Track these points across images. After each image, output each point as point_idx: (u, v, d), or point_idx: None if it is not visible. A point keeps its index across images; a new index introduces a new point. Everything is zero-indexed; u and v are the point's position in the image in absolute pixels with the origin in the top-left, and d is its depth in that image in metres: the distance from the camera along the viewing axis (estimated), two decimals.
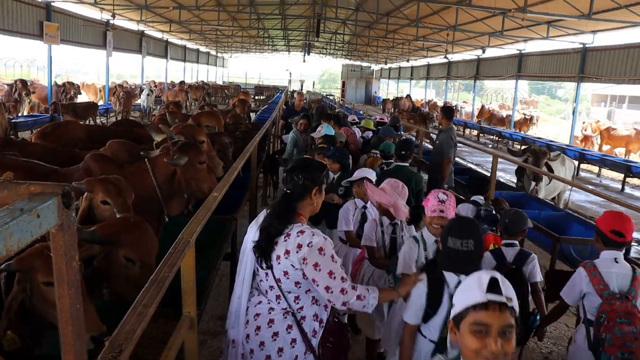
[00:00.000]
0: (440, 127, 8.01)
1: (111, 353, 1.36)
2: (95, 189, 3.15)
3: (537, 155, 7.53)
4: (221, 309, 4.96)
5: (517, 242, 3.69)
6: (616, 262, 3.11)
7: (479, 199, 4.81)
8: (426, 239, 3.32)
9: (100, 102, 22.76)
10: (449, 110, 7.92)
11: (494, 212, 4.54)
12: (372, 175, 4.60)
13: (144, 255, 2.64)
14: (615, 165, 14.66)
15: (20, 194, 0.98)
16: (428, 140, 11.90)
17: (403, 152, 5.59)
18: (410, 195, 5.22)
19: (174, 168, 3.96)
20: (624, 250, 3.21)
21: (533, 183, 7.49)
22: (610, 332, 2.94)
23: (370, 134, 8.90)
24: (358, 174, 4.59)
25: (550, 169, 7.81)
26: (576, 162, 14.99)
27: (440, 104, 33.47)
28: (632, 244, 5.14)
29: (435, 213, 3.25)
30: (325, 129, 6.57)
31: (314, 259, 2.36)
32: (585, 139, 19.80)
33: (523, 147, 8.39)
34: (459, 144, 7.92)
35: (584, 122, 21.72)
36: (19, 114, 15.01)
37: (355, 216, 4.46)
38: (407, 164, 5.60)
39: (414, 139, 13.62)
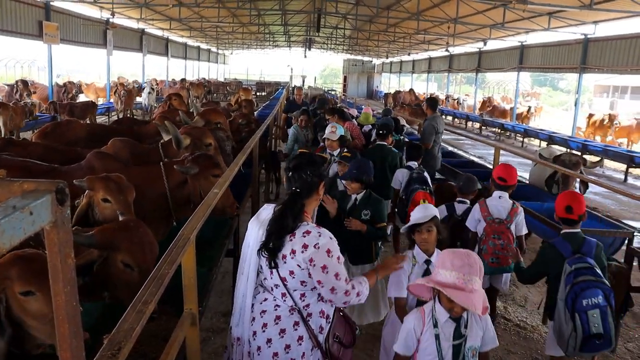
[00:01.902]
0: (427, 116, 8.32)
1: (110, 351, 1.36)
2: (96, 187, 3.14)
3: (566, 167, 5.92)
4: (224, 305, 4.96)
5: (467, 201, 4.76)
6: (500, 198, 4.31)
7: (413, 164, 5.63)
8: None
9: (101, 101, 22.79)
10: (433, 101, 8.44)
11: (424, 174, 5.33)
12: (440, 212, 3.42)
13: (142, 261, 2.56)
14: (617, 156, 14.59)
15: (14, 192, 0.97)
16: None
17: (381, 132, 6.29)
18: (388, 171, 5.96)
19: (186, 176, 3.97)
20: (509, 191, 4.37)
21: None
22: (486, 244, 4.22)
23: (369, 128, 8.87)
24: (421, 214, 3.18)
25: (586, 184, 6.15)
26: (579, 154, 14.96)
27: (442, 96, 33.48)
28: (635, 234, 5.18)
29: None
30: (339, 129, 5.91)
31: (322, 260, 2.35)
32: (599, 129, 19.32)
33: (554, 156, 6.59)
34: (461, 137, 7.97)
35: (592, 115, 21.24)
36: None
37: (413, 275, 3.09)
38: (386, 143, 6.23)
39: (416, 132, 13.57)
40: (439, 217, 3.19)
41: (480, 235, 4.28)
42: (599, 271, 3.27)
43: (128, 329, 1.45)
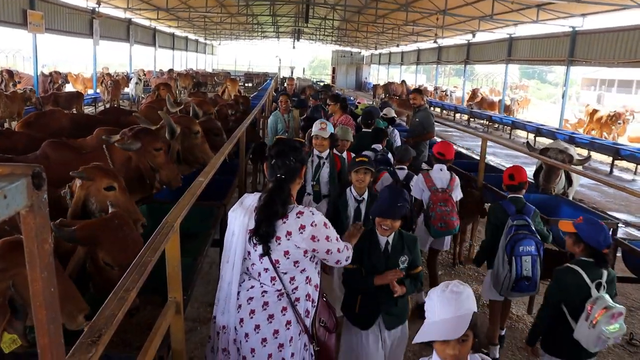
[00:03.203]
0: (419, 106, 8.19)
1: (90, 337, 1.34)
2: (97, 177, 3.12)
3: (549, 164, 5.77)
4: (211, 296, 4.94)
5: (405, 167, 5.37)
6: (441, 170, 4.95)
7: (378, 147, 6.20)
8: None
9: (90, 92, 22.53)
10: (422, 91, 8.80)
11: (388, 155, 5.97)
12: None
13: (123, 259, 2.47)
14: (603, 148, 14.71)
15: None
16: None
17: (369, 122, 6.81)
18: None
19: (129, 154, 3.94)
20: (448, 164, 5.07)
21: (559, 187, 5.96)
22: (434, 211, 4.78)
23: None
24: (447, 315, 1.85)
25: (570, 179, 6.17)
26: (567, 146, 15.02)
27: (430, 88, 33.51)
28: (620, 225, 5.32)
29: None
30: (329, 126, 4.88)
31: (324, 233, 2.47)
32: (605, 125, 18.54)
33: (541, 148, 6.40)
34: (450, 128, 8.03)
35: (588, 105, 20.51)
36: None
37: None
38: (370, 130, 6.66)
39: (404, 123, 13.59)
40: (476, 308, 1.89)
41: (427, 203, 4.90)
42: (534, 228, 4.01)
43: (109, 316, 1.44)
